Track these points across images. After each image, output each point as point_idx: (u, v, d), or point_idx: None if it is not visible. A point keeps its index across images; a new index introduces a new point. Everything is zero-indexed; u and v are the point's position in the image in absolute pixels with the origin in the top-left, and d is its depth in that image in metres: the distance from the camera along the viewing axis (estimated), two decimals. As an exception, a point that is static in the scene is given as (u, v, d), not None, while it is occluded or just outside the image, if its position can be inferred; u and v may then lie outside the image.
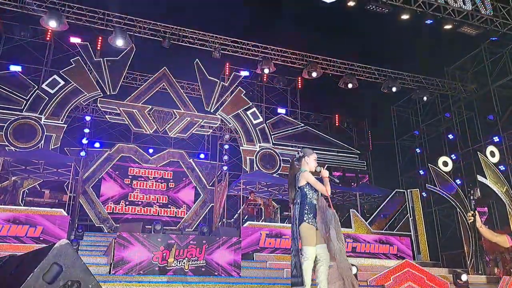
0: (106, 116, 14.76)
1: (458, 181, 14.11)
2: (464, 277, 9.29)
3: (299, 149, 4.60)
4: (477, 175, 12.49)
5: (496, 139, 14.12)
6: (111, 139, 15.96)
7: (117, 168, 14.87)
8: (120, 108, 14.33)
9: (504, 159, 13.22)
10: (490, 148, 12.62)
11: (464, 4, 11.89)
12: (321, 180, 4.30)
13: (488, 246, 10.90)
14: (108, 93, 14.01)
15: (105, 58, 13.99)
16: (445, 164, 13.52)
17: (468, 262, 11.97)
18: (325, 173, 4.25)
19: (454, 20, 12.07)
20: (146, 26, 13.35)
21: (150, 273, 8.01)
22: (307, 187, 4.26)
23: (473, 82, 16.08)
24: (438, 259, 14.22)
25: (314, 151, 4.56)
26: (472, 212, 4.04)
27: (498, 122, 14.19)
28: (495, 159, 12.28)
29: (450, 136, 16.45)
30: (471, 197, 4.54)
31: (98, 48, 14.07)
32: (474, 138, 15.30)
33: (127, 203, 14.61)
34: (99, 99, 14.05)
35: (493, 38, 13.21)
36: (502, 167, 12.72)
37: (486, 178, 12.05)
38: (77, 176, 13.05)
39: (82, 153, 14.08)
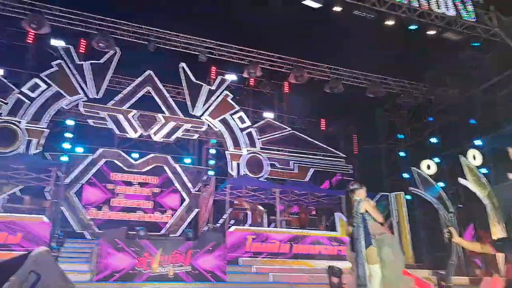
0: (89, 120, 14.45)
1: (441, 184, 14.29)
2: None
3: (352, 183, 5.52)
4: (459, 178, 12.65)
5: (478, 142, 14.36)
6: (95, 143, 15.60)
7: (100, 173, 14.56)
8: (104, 112, 14.10)
9: (486, 162, 13.42)
10: (472, 151, 12.81)
11: (447, 10, 12.11)
12: None
13: (472, 253, 11.04)
14: (92, 97, 13.79)
15: (88, 62, 13.78)
16: (428, 167, 13.68)
17: (450, 264, 12.08)
18: (372, 203, 5.27)
19: (438, 26, 12.28)
20: (130, 29, 13.19)
21: (134, 279, 7.87)
22: (366, 213, 5.17)
23: (455, 87, 16.36)
24: (422, 261, 14.35)
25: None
26: (447, 229, 4.03)
27: (480, 126, 14.45)
28: (477, 162, 12.46)
29: (433, 140, 16.68)
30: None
31: (82, 51, 13.86)
32: (456, 141, 15.54)
33: (110, 208, 14.33)
34: (82, 103, 13.80)
35: (475, 44, 13.46)
36: (484, 170, 12.90)
37: (467, 180, 12.21)
38: (59, 181, 12.77)
39: (64, 158, 13.79)
